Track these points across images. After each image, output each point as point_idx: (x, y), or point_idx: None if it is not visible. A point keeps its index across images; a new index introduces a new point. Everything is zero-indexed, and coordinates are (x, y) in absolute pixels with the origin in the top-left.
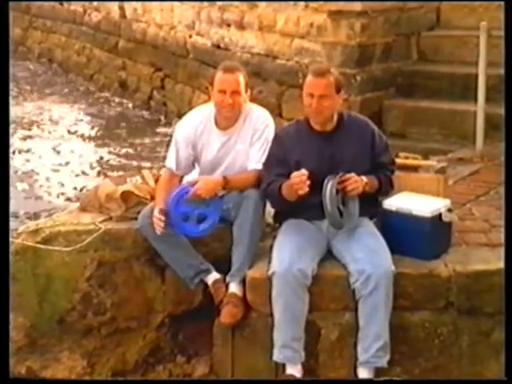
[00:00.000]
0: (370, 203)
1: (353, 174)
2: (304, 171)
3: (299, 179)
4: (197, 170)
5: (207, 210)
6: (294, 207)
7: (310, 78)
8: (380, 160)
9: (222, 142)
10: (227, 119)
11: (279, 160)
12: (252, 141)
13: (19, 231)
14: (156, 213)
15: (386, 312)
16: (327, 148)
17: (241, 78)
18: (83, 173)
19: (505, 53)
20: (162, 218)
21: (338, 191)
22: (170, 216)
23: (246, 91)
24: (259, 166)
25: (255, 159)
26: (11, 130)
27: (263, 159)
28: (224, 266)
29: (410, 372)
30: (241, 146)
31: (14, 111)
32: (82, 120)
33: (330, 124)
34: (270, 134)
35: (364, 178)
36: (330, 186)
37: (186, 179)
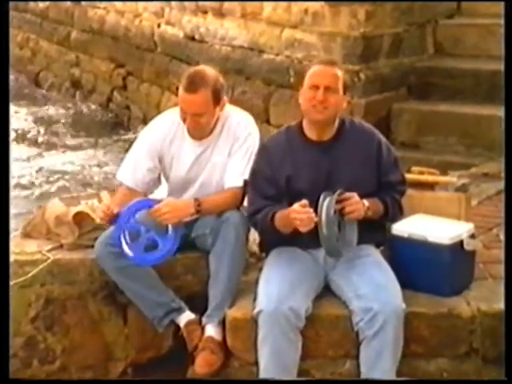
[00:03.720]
0: (377, 228)
1: (354, 194)
2: (305, 202)
3: (306, 216)
4: (164, 185)
5: (163, 238)
6: (285, 233)
7: (314, 68)
8: (387, 179)
9: (197, 155)
10: (195, 130)
11: (267, 178)
12: (231, 151)
13: None
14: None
15: (394, 359)
16: (324, 162)
17: (207, 95)
18: None
19: (505, 53)
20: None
21: (334, 212)
22: (115, 230)
23: (219, 103)
24: (240, 183)
25: (234, 174)
26: None
27: (246, 174)
28: (199, 305)
29: None
30: (218, 158)
31: None
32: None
33: (329, 132)
34: (254, 143)
35: (366, 202)
36: (326, 204)
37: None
